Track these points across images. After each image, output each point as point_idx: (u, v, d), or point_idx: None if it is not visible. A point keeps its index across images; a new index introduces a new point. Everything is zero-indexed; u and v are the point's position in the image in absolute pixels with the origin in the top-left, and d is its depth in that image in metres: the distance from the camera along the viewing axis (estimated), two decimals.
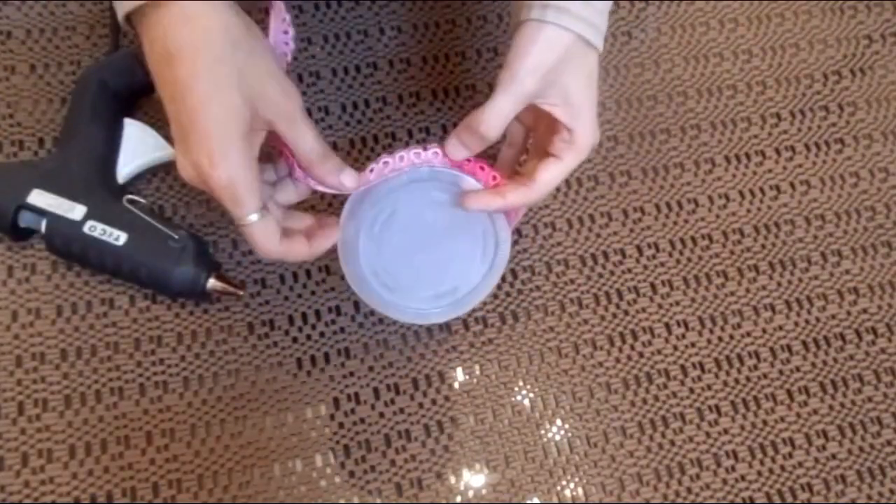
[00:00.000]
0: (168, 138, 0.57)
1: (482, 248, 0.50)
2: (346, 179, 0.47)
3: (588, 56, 0.47)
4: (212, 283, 0.54)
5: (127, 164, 0.56)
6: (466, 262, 0.51)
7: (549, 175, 0.48)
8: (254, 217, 0.44)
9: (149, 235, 0.53)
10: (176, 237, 0.53)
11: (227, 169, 0.42)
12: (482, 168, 0.49)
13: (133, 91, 0.58)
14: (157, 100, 0.58)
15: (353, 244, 0.49)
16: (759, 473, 0.56)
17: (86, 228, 0.53)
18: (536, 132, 0.51)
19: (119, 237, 0.53)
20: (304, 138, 0.45)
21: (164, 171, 0.59)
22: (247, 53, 0.41)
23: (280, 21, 0.59)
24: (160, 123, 0.58)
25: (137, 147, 0.57)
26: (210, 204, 0.58)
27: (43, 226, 0.53)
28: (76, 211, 0.53)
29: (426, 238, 0.50)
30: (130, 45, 0.61)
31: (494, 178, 0.49)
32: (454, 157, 0.48)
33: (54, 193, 0.53)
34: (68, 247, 0.53)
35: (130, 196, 0.55)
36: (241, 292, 0.55)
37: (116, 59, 0.58)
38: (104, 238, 0.53)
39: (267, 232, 0.45)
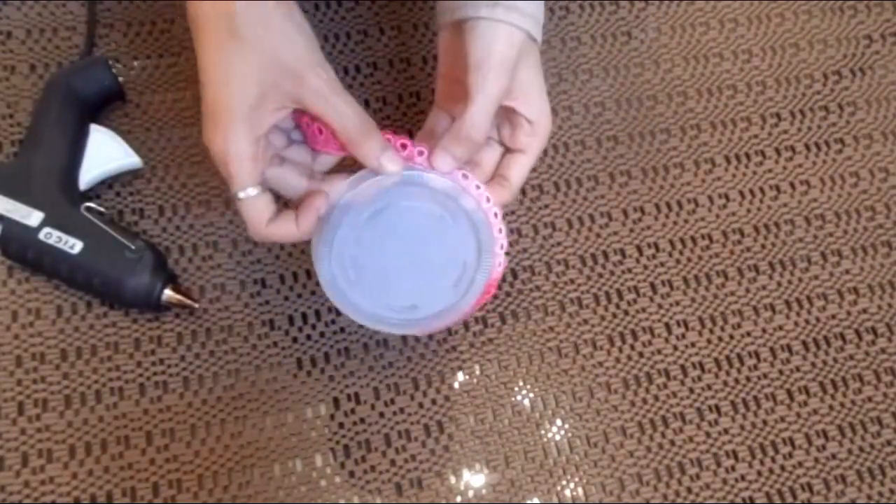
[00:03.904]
0: (135, 146, 0.57)
1: (456, 278, 0.48)
2: (387, 163, 0.46)
3: (535, 50, 0.49)
4: (167, 294, 0.54)
5: (90, 171, 0.55)
6: (437, 284, 0.48)
7: (523, 171, 0.51)
8: (242, 195, 0.44)
9: (105, 245, 0.53)
10: (133, 247, 0.53)
11: (224, 142, 0.43)
12: (465, 177, 0.49)
13: (102, 97, 0.58)
14: (124, 107, 0.58)
15: (335, 225, 0.47)
16: (759, 473, 0.56)
17: (41, 235, 0.52)
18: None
19: (74, 245, 0.53)
20: (342, 114, 0.45)
21: (130, 176, 0.58)
22: (267, 30, 0.42)
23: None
24: (127, 130, 0.59)
25: (102, 154, 0.56)
26: (210, 204, 0.58)
27: None
28: (33, 217, 0.53)
29: (407, 245, 0.48)
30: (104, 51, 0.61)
31: (478, 186, 0.49)
32: (442, 169, 0.48)
33: (12, 198, 0.53)
34: (23, 253, 0.53)
35: (89, 204, 0.54)
36: (197, 304, 0.55)
37: (87, 63, 0.58)
38: (59, 246, 0.52)
39: (255, 211, 0.45)
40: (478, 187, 0.49)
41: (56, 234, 0.53)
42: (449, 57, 0.51)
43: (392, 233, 0.48)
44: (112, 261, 0.53)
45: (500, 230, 0.49)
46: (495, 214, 0.49)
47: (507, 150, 0.52)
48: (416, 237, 0.48)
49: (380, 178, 0.48)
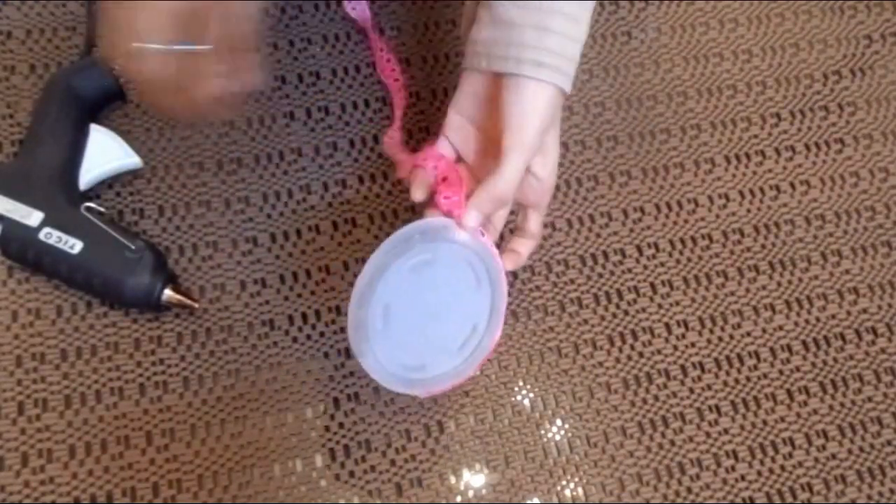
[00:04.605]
0: (135, 146, 0.57)
1: (464, 340, 0.50)
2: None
3: (561, 105, 0.49)
4: (167, 294, 0.54)
5: (90, 171, 0.55)
6: (444, 344, 0.50)
7: (539, 222, 0.53)
8: (159, 45, 0.41)
9: (105, 244, 0.53)
10: (133, 247, 0.53)
11: None
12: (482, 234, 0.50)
13: (101, 97, 0.58)
14: (124, 107, 0.58)
15: (384, 265, 0.47)
16: (759, 473, 0.56)
17: (41, 235, 0.52)
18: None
19: (74, 245, 0.52)
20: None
21: (130, 176, 0.58)
22: None
23: (380, 54, 0.61)
24: (127, 130, 0.59)
25: (102, 154, 0.56)
26: (210, 204, 0.58)
27: None
28: (33, 217, 0.52)
29: (433, 298, 0.49)
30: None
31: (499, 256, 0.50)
32: (471, 225, 0.48)
33: (12, 198, 0.53)
34: (23, 253, 0.53)
35: (89, 204, 0.54)
36: (197, 305, 0.55)
37: (86, 63, 0.58)
38: (59, 246, 0.52)
39: (163, 65, 0.41)
40: (499, 257, 0.50)
41: (56, 233, 0.52)
42: (468, 98, 0.51)
43: (426, 285, 0.49)
44: (112, 261, 0.53)
45: (506, 300, 0.50)
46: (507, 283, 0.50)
47: (519, 206, 0.53)
48: (446, 297, 0.49)
49: (425, 231, 0.48)
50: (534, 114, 0.47)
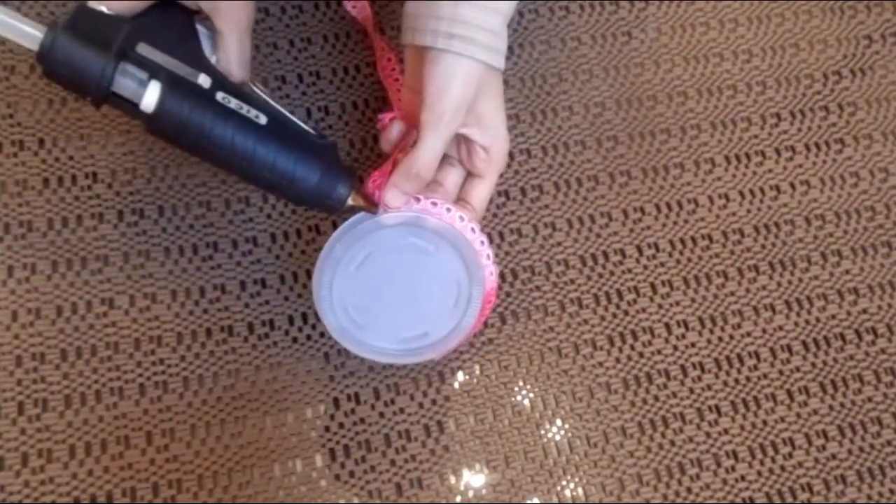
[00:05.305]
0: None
1: (455, 298, 0.51)
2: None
3: (496, 78, 0.49)
4: (353, 196, 0.47)
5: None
6: (439, 308, 0.51)
7: (483, 195, 0.52)
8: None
9: (286, 124, 0.44)
10: (314, 133, 0.45)
11: None
12: (434, 204, 0.51)
13: None
14: None
15: (329, 280, 0.50)
16: (759, 473, 0.56)
17: (218, 98, 0.42)
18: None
19: (259, 116, 0.42)
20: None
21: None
22: None
23: (381, 53, 0.61)
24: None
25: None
26: (210, 204, 0.58)
27: (154, 92, 0.40)
28: (201, 78, 0.42)
29: (400, 281, 0.51)
30: None
31: (448, 209, 0.51)
32: (395, 205, 0.49)
33: (170, 54, 0.41)
34: (191, 118, 0.41)
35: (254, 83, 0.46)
36: (375, 211, 0.48)
37: None
38: (243, 113, 0.42)
39: None
40: (448, 210, 0.51)
41: (234, 101, 0.42)
42: (412, 72, 0.51)
43: (383, 275, 0.50)
44: (300, 143, 0.44)
45: (483, 242, 0.51)
46: (472, 230, 0.51)
47: (468, 174, 0.53)
48: (406, 273, 0.51)
49: (359, 226, 0.50)
50: (448, 89, 0.46)
